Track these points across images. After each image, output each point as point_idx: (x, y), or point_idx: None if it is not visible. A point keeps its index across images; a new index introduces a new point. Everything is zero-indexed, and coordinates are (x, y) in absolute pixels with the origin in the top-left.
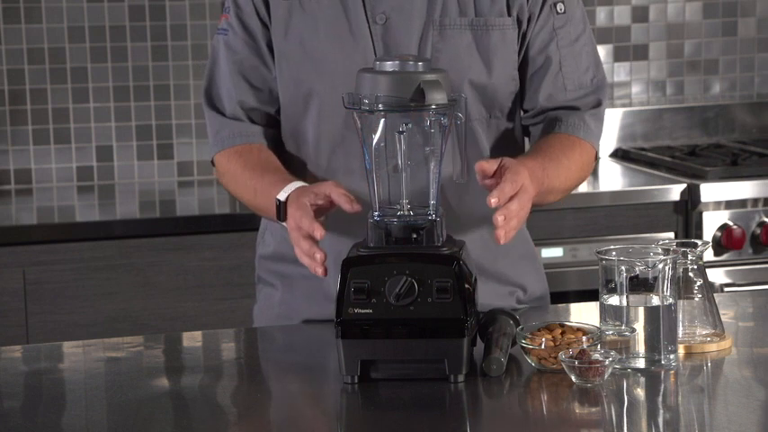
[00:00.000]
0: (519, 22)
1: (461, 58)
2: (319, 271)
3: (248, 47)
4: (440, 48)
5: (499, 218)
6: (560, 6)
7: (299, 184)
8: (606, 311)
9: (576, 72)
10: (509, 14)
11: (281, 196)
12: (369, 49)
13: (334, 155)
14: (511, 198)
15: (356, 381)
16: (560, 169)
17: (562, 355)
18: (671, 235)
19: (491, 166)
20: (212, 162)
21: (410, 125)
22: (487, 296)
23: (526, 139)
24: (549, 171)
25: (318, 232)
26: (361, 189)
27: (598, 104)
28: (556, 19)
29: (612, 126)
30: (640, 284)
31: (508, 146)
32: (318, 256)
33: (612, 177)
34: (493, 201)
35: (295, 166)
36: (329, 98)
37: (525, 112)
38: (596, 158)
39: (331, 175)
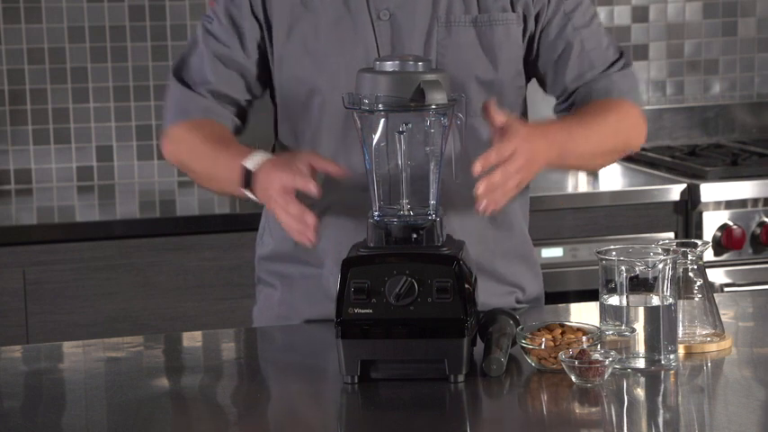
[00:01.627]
0: (525, 18)
1: (467, 54)
2: (310, 235)
3: (229, 36)
4: (445, 44)
5: (480, 187)
6: None
7: (267, 154)
8: (606, 311)
9: (599, 48)
10: (513, 10)
11: (249, 164)
12: (372, 46)
13: (335, 153)
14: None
15: (356, 381)
16: (590, 132)
17: (562, 355)
18: (671, 235)
19: (499, 117)
20: (164, 133)
21: (410, 125)
22: (486, 295)
23: None
24: (575, 135)
25: (316, 189)
26: (362, 187)
27: (626, 67)
28: (565, 4)
29: None
30: (640, 284)
31: None
32: (311, 220)
33: (612, 177)
34: (475, 169)
35: None
36: (331, 96)
37: (556, 99)
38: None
39: None
